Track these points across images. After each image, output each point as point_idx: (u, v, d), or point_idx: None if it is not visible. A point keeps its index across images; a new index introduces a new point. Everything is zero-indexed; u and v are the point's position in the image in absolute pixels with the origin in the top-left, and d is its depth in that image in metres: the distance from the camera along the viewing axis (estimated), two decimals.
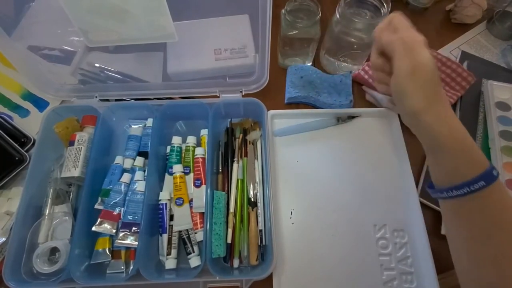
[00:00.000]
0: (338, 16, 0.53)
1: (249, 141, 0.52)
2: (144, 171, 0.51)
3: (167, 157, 0.52)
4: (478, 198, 0.33)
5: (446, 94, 0.58)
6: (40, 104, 0.59)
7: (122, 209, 0.47)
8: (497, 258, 0.32)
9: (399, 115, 0.57)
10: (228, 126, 0.55)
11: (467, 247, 0.35)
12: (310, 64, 0.63)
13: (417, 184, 0.52)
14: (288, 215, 0.49)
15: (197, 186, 0.48)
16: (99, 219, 0.46)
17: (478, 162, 0.33)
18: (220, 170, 0.51)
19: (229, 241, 0.45)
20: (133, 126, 0.56)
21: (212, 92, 0.56)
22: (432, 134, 0.36)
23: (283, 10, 0.54)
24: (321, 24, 0.55)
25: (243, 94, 0.56)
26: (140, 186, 0.48)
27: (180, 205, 0.47)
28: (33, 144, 0.53)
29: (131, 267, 0.44)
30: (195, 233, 0.47)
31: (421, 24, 0.71)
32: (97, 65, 0.57)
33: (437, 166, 0.37)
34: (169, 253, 0.45)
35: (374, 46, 0.42)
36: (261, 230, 0.46)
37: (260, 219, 0.47)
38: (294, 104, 0.60)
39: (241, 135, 0.53)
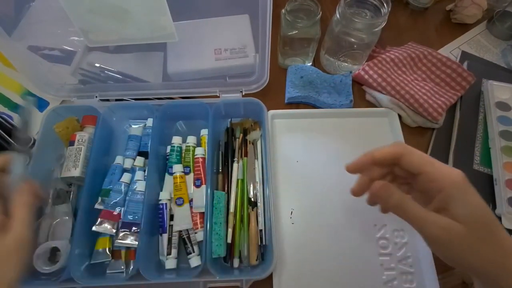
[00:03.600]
0: (338, 16, 0.53)
1: (249, 141, 0.52)
2: (144, 171, 0.51)
3: (167, 157, 0.52)
4: None
5: (446, 94, 0.58)
6: (40, 104, 0.58)
7: (122, 209, 0.47)
8: None
9: (399, 115, 0.57)
10: (228, 126, 0.55)
11: None
12: (310, 64, 0.63)
13: None
14: (288, 215, 0.49)
15: (197, 186, 0.48)
16: (99, 219, 0.46)
17: None
18: (220, 170, 0.51)
19: (229, 241, 0.45)
20: (133, 126, 0.56)
21: (212, 92, 0.56)
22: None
23: (283, 10, 0.54)
24: (321, 24, 0.55)
25: (243, 94, 0.56)
26: (140, 186, 0.48)
27: (180, 205, 0.47)
28: (33, 144, 0.53)
29: (131, 267, 0.44)
30: (195, 233, 0.47)
31: (421, 24, 0.71)
32: (97, 65, 0.57)
33: None
34: (169, 253, 0.45)
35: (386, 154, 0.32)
36: (261, 230, 0.46)
37: (260, 219, 0.47)
38: (294, 104, 0.60)
39: (241, 135, 0.53)
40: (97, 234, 0.46)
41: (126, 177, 0.49)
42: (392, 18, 0.61)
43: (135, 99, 0.57)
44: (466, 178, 0.29)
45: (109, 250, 0.45)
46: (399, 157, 0.30)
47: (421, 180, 0.30)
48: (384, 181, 0.31)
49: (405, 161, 0.30)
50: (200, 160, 0.50)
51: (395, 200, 0.30)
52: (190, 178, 0.50)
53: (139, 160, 0.51)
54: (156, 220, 0.47)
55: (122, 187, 0.48)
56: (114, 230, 0.46)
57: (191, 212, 0.47)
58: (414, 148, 0.30)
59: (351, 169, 0.34)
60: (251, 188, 0.49)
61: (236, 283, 0.42)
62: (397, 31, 0.69)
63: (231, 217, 0.47)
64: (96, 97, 0.55)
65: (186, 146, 0.52)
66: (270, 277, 0.44)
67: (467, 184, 0.28)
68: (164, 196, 0.48)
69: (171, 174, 0.50)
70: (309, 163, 0.53)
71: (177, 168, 0.49)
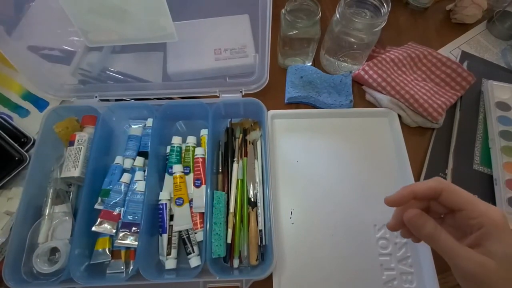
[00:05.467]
0: (338, 16, 0.53)
1: (249, 141, 0.52)
2: (144, 171, 0.51)
3: (167, 157, 0.52)
4: None
5: (446, 94, 0.58)
6: (40, 104, 0.59)
7: (122, 209, 0.47)
8: None
9: (399, 115, 0.57)
10: (228, 126, 0.55)
11: None
12: (310, 64, 0.63)
13: None
14: (288, 215, 0.49)
15: (197, 186, 0.48)
16: (99, 219, 0.46)
17: None
18: (220, 170, 0.51)
19: (229, 241, 0.45)
20: (133, 126, 0.56)
21: (212, 92, 0.56)
22: None
23: (283, 10, 0.54)
24: (321, 24, 0.55)
25: (243, 94, 0.56)
26: (140, 186, 0.48)
27: (180, 205, 0.47)
28: (33, 144, 0.53)
29: (131, 267, 0.44)
30: (195, 233, 0.47)
31: (421, 24, 0.71)
32: (97, 65, 0.57)
33: None
34: (169, 253, 0.45)
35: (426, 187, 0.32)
36: (261, 230, 0.46)
37: (260, 219, 0.47)
38: (294, 104, 0.60)
39: (241, 135, 0.53)
40: (97, 234, 0.46)
41: (126, 177, 0.49)
42: (392, 18, 0.61)
43: (135, 99, 0.57)
44: (505, 217, 0.29)
45: (109, 250, 0.45)
46: (440, 193, 0.31)
47: (460, 216, 0.30)
48: (418, 209, 0.32)
49: (446, 197, 0.31)
50: (200, 160, 0.50)
51: (429, 229, 0.30)
52: (190, 178, 0.50)
53: (139, 160, 0.51)
54: (156, 220, 0.47)
55: (122, 187, 0.48)
56: (114, 230, 0.46)
57: (191, 212, 0.47)
58: (455, 185, 0.31)
59: (391, 203, 0.34)
60: (251, 188, 0.49)
61: (236, 283, 0.42)
62: (397, 31, 0.69)
63: (231, 217, 0.47)
64: (96, 97, 0.55)
65: (186, 146, 0.52)
66: (270, 277, 0.44)
67: (507, 224, 0.29)
68: (164, 196, 0.48)
69: (171, 174, 0.50)
70: (309, 163, 0.53)
71: (177, 168, 0.49)
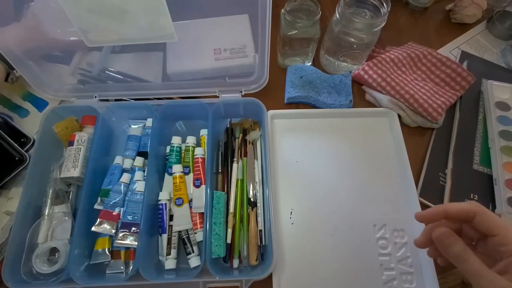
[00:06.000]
0: (338, 16, 0.53)
1: (249, 141, 0.52)
2: (144, 171, 0.51)
3: (167, 157, 0.52)
4: None
5: (446, 94, 0.58)
6: (40, 104, 0.59)
7: (122, 209, 0.47)
8: None
9: (399, 115, 0.57)
10: (228, 126, 0.55)
11: None
12: (310, 64, 0.63)
13: (417, 184, 0.52)
14: (288, 215, 0.49)
15: (197, 186, 0.48)
16: (98, 219, 0.46)
17: None
18: (220, 170, 0.51)
19: (228, 241, 0.45)
20: (132, 126, 0.56)
21: (211, 92, 0.56)
22: None
23: (282, 10, 0.54)
24: (321, 24, 0.55)
25: (243, 94, 0.56)
26: (139, 186, 0.48)
27: (179, 205, 0.47)
28: (33, 144, 0.53)
29: (131, 267, 0.44)
30: (195, 233, 0.47)
31: (421, 24, 0.71)
32: (96, 65, 0.57)
33: None
34: (168, 253, 0.45)
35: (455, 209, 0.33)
36: (260, 230, 0.46)
37: (260, 219, 0.47)
38: (294, 104, 0.60)
39: (241, 135, 0.53)
40: (97, 235, 0.46)
41: (125, 177, 0.49)
42: (391, 18, 0.61)
43: (135, 99, 0.57)
44: None
45: (108, 251, 0.45)
46: (473, 216, 0.31)
47: (492, 242, 0.30)
48: (448, 228, 0.31)
49: (479, 221, 0.31)
50: (200, 160, 0.50)
51: (458, 249, 0.30)
52: (189, 178, 0.50)
53: (139, 160, 0.51)
54: (155, 220, 0.47)
55: (122, 187, 0.48)
56: (113, 231, 0.46)
57: (191, 212, 0.47)
58: (489, 210, 0.31)
59: (421, 218, 0.34)
60: (251, 188, 0.49)
61: (235, 283, 0.42)
62: (397, 31, 0.69)
63: (230, 217, 0.47)
64: (96, 97, 0.55)
65: (186, 146, 0.52)
66: (270, 277, 0.44)
67: None
68: (163, 196, 0.48)
69: (170, 174, 0.50)
70: (308, 163, 0.53)
71: (177, 168, 0.49)
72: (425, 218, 0.34)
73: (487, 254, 0.32)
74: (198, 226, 0.47)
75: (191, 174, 0.50)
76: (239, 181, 0.49)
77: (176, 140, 0.53)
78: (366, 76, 0.58)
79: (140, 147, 0.53)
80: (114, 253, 0.46)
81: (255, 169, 0.50)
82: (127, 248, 0.46)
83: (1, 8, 0.49)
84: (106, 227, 0.46)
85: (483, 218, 0.31)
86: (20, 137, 0.53)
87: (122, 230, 0.46)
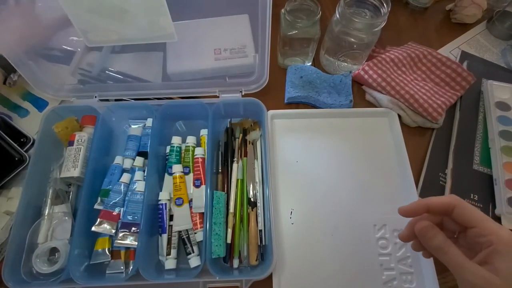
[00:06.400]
0: (338, 16, 0.53)
1: (249, 141, 0.52)
2: (144, 171, 0.51)
3: (167, 157, 0.52)
4: None
5: (446, 94, 0.58)
6: (40, 104, 0.58)
7: (122, 209, 0.47)
8: None
9: (399, 115, 0.57)
10: (228, 126, 0.55)
11: None
12: (310, 64, 0.63)
13: (417, 184, 0.52)
14: (288, 215, 0.49)
15: (197, 186, 0.48)
16: (98, 219, 0.46)
17: None
18: (220, 170, 0.51)
19: (228, 241, 0.45)
20: (132, 126, 0.56)
21: (211, 92, 0.56)
22: None
23: (283, 10, 0.54)
24: (321, 24, 0.55)
25: (243, 94, 0.56)
26: (139, 186, 0.48)
27: (179, 205, 0.47)
28: (33, 144, 0.53)
29: (131, 267, 0.44)
30: (195, 233, 0.47)
31: (421, 24, 0.71)
32: (96, 65, 0.57)
33: None
34: (168, 253, 0.45)
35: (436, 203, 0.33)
36: (261, 230, 0.46)
37: (260, 219, 0.47)
38: (294, 104, 0.60)
39: (241, 135, 0.53)
40: (97, 235, 0.46)
41: (125, 177, 0.49)
42: (391, 18, 0.61)
43: (135, 99, 0.57)
44: None
45: (108, 251, 0.45)
46: (452, 208, 0.32)
47: (471, 233, 0.31)
48: (429, 222, 0.33)
49: (458, 213, 0.32)
50: (200, 160, 0.50)
51: (438, 241, 0.31)
52: (189, 178, 0.50)
53: (139, 160, 0.51)
54: (155, 220, 0.47)
55: (122, 187, 0.48)
56: (113, 231, 0.46)
57: (191, 212, 0.47)
58: (467, 203, 0.32)
59: (404, 212, 0.35)
60: (251, 188, 0.49)
61: (236, 283, 0.42)
62: (397, 31, 0.69)
63: (230, 217, 0.47)
64: (96, 97, 0.55)
65: (186, 146, 0.52)
66: (270, 277, 0.44)
67: None
68: (163, 196, 0.48)
69: (170, 174, 0.50)
70: (308, 163, 0.53)
71: (177, 168, 0.49)
72: (408, 212, 0.35)
73: (468, 246, 0.33)
74: (198, 226, 0.47)
75: (191, 174, 0.50)
76: (239, 181, 0.49)
77: (176, 140, 0.53)
78: (366, 76, 0.58)
79: (140, 147, 0.53)
80: (114, 253, 0.46)
81: (255, 169, 0.50)
82: (127, 248, 0.46)
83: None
84: (106, 227, 0.46)
85: (461, 211, 0.32)
86: (20, 137, 0.53)
87: (122, 230, 0.46)
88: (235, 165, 0.50)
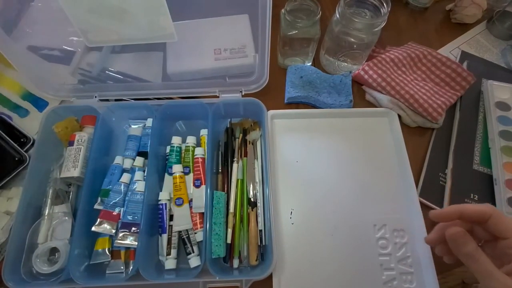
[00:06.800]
0: (338, 16, 0.53)
1: (249, 141, 0.52)
2: (144, 171, 0.51)
3: (167, 157, 0.52)
4: None
5: (446, 94, 0.58)
6: (40, 104, 0.58)
7: (122, 209, 0.47)
8: None
9: (399, 115, 0.57)
10: (228, 126, 0.55)
11: None
12: (310, 64, 0.63)
13: (417, 184, 0.52)
14: (288, 215, 0.49)
15: (197, 186, 0.48)
16: (98, 219, 0.46)
17: None
18: (220, 170, 0.51)
19: (229, 241, 0.45)
20: (132, 126, 0.56)
21: (211, 92, 0.56)
22: None
23: (283, 10, 0.54)
24: (321, 24, 0.55)
25: (243, 94, 0.56)
26: (139, 186, 0.48)
27: (179, 205, 0.47)
28: (33, 144, 0.53)
29: (131, 267, 0.44)
30: (195, 233, 0.47)
31: (421, 24, 0.71)
32: (96, 65, 0.57)
33: None
34: (168, 253, 0.45)
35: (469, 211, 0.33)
36: (261, 230, 0.46)
37: (260, 219, 0.47)
38: (294, 104, 0.60)
39: (241, 135, 0.53)
40: (97, 235, 0.46)
41: (125, 177, 0.49)
42: (391, 18, 0.61)
43: (135, 99, 0.57)
44: None
45: (108, 251, 0.45)
46: (488, 218, 0.32)
47: (502, 244, 0.31)
48: (462, 228, 0.32)
49: (493, 223, 0.32)
50: (200, 160, 0.50)
51: (470, 249, 0.31)
52: (189, 178, 0.50)
53: (139, 160, 0.51)
54: (155, 220, 0.47)
55: (122, 187, 0.48)
56: (113, 231, 0.46)
57: (191, 212, 0.47)
58: (503, 213, 0.32)
59: (436, 216, 0.35)
60: (251, 188, 0.49)
61: (235, 283, 0.42)
62: (397, 31, 0.69)
63: (230, 217, 0.47)
64: (96, 97, 0.55)
65: (186, 146, 0.52)
66: (270, 277, 0.44)
67: None
68: (163, 196, 0.48)
69: (170, 174, 0.50)
70: (308, 163, 0.53)
71: (177, 168, 0.49)
72: (441, 217, 0.35)
73: (495, 255, 0.32)
74: (198, 226, 0.47)
75: (191, 174, 0.50)
76: (239, 181, 0.49)
77: (176, 140, 0.53)
78: (366, 76, 0.58)
79: (140, 147, 0.53)
80: (114, 253, 0.46)
81: (255, 169, 0.50)
82: (127, 248, 0.46)
83: (1, 8, 0.49)
84: (106, 227, 0.46)
85: (497, 221, 0.31)
86: (20, 137, 0.53)
87: (122, 230, 0.46)
88: (235, 165, 0.50)
